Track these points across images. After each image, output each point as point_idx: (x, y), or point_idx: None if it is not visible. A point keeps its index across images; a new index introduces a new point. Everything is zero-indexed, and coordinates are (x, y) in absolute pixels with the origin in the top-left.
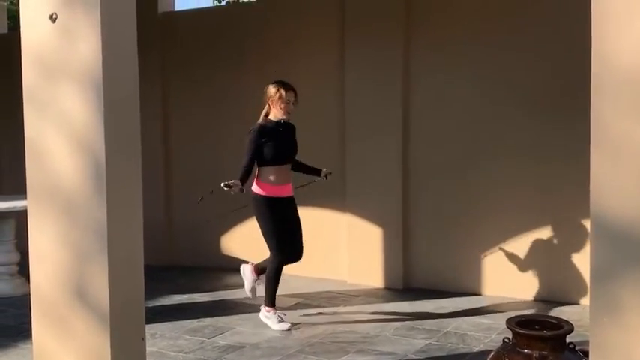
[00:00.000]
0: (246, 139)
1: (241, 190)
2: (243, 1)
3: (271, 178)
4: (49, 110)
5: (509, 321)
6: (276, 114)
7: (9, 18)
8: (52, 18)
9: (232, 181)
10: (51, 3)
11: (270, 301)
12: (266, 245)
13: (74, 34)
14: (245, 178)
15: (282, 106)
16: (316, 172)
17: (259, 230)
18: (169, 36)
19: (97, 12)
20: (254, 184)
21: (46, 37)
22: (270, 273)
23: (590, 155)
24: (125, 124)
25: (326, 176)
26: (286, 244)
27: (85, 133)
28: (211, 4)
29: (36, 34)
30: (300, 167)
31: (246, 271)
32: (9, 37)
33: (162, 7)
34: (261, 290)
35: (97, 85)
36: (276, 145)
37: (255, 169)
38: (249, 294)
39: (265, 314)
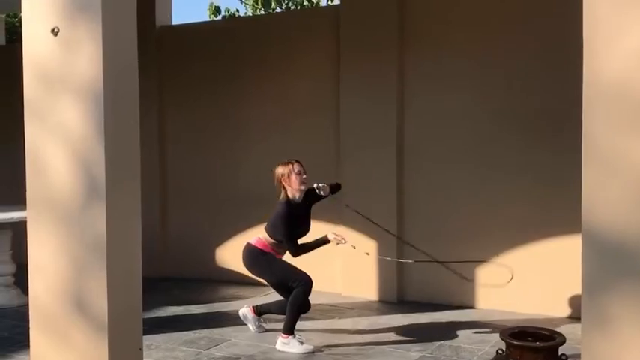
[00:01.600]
0: (278, 219)
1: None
2: (239, 16)
3: (278, 250)
4: (49, 122)
5: (502, 332)
6: (293, 192)
7: (6, 30)
8: (54, 32)
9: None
10: (53, 17)
11: (289, 329)
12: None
13: (75, 47)
14: (305, 247)
15: (297, 178)
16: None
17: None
18: (166, 49)
19: (98, 26)
20: (258, 242)
21: (48, 51)
22: (296, 300)
23: (582, 170)
24: (125, 136)
25: (319, 189)
26: (301, 272)
27: (84, 145)
28: (208, 19)
29: (37, 47)
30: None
31: (247, 314)
32: (7, 50)
33: (159, 21)
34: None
35: (97, 98)
36: (298, 224)
37: (264, 234)
38: (256, 331)
39: (283, 341)
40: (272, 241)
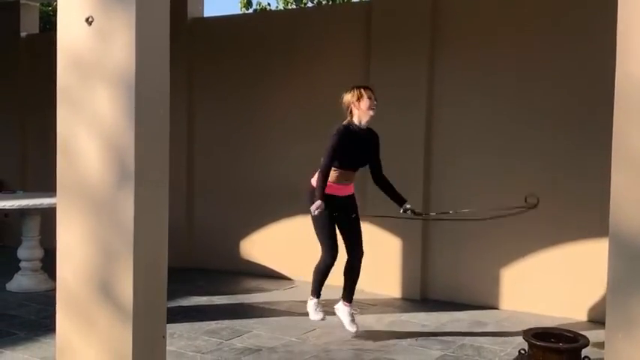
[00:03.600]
0: (328, 141)
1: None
2: (270, 9)
3: (334, 176)
4: (81, 110)
5: (525, 333)
6: (360, 116)
7: (40, 19)
8: (88, 21)
9: (317, 206)
10: (87, 6)
11: (314, 289)
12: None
13: (109, 36)
14: (324, 185)
15: (367, 103)
16: (400, 200)
17: (284, 240)
18: (197, 41)
19: (132, 15)
20: (315, 177)
21: (82, 40)
22: (318, 267)
23: (612, 172)
24: (155, 126)
25: (406, 210)
26: (336, 243)
27: (115, 133)
28: (239, 11)
29: (72, 36)
30: (387, 188)
31: (340, 307)
32: (42, 38)
33: (191, 13)
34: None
35: (129, 87)
36: (350, 151)
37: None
38: (351, 329)
39: (309, 301)
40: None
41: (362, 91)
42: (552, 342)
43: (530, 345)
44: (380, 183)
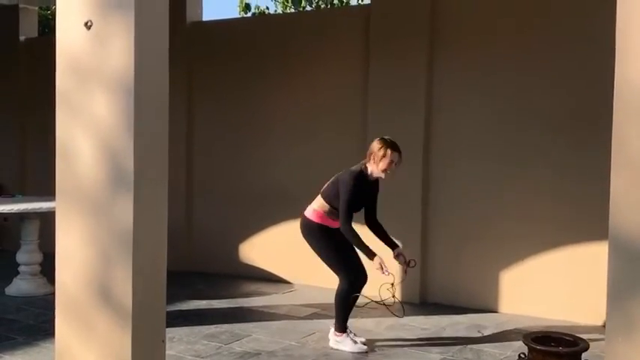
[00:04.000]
0: (343, 186)
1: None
2: (269, 13)
3: (327, 211)
4: (80, 114)
5: (525, 337)
6: (373, 170)
7: (39, 23)
8: (87, 25)
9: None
10: (86, 10)
11: (340, 326)
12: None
13: (108, 41)
14: (356, 242)
15: (385, 164)
16: (392, 244)
17: (283, 243)
18: (196, 45)
19: (130, 20)
20: (314, 212)
21: (81, 44)
22: (339, 297)
23: (611, 174)
24: (154, 130)
25: (399, 255)
26: (353, 266)
27: (114, 137)
28: (238, 15)
29: (71, 40)
30: (380, 233)
31: (339, 340)
32: (41, 42)
33: (190, 17)
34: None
35: (128, 91)
36: (358, 199)
37: (321, 201)
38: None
39: (336, 339)
40: (328, 208)
41: (389, 151)
42: (552, 346)
43: (530, 349)
44: (374, 227)
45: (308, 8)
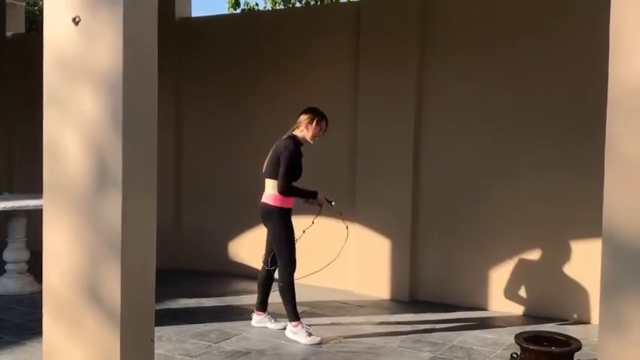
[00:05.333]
0: (285, 152)
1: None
2: (259, 9)
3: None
4: (68, 111)
5: (517, 337)
6: (304, 136)
7: (26, 19)
8: (75, 21)
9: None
10: (74, 6)
11: (294, 315)
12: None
13: (96, 37)
14: (299, 194)
15: (315, 131)
16: (312, 193)
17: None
18: (185, 42)
19: (119, 16)
20: (272, 196)
21: (68, 40)
22: (286, 285)
23: (605, 174)
24: (142, 127)
25: (329, 201)
26: (294, 255)
27: (102, 135)
28: (227, 11)
29: (58, 36)
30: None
31: (259, 319)
32: (28, 38)
33: (179, 13)
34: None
35: (116, 89)
36: (300, 164)
37: (271, 182)
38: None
39: (292, 330)
40: (274, 184)
41: (318, 119)
42: (545, 345)
43: (523, 349)
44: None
45: (297, 5)
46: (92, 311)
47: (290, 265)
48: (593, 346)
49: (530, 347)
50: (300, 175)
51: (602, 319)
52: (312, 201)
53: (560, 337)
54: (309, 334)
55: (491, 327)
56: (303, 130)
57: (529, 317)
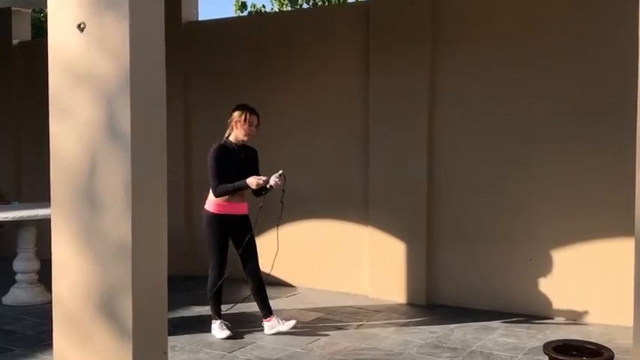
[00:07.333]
0: (208, 160)
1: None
2: (265, 12)
3: (227, 196)
4: (74, 119)
5: (545, 346)
6: (237, 135)
7: (32, 26)
8: (80, 27)
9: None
10: (79, 12)
11: (216, 313)
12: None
13: (102, 43)
14: (232, 190)
15: (245, 127)
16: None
17: (286, 246)
18: (193, 45)
19: (125, 21)
20: (208, 201)
21: (74, 46)
22: (209, 289)
23: (636, 178)
24: (151, 134)
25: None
26: (224, 261)
27: (110, 142)
28: (234, 14)
29: (63, 42)
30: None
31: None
32: (34, 45)
33: (186, 17)
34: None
35: (124, 95)
36: (234, 166)
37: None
38: (289, 325)
39: (213, 324)
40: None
41: (247, 114)
42: (575, 355)
43: (551, 359)
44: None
45: (305, 6)
46: (103, 323)
47: (216, 268)
48: (618, 349)
49: (560, 358)
50: (237, 174)
51: (636, 324)
52: (264, 192)
53: (590, 346)
54: (222, 329)
55: (511, 331)
56: (235, 130)
57: (549, 319)
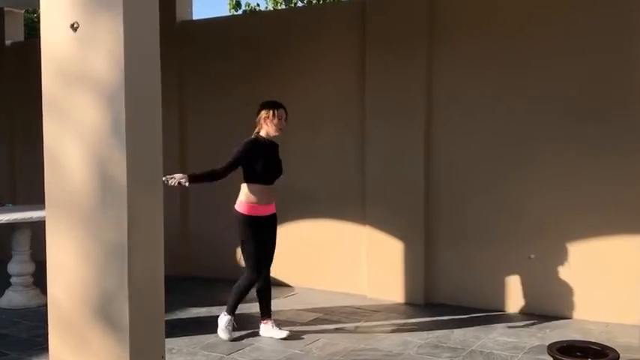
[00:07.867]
0: (234, 149)
1: (179, 184)
2: (260, 10)
3: (257, 196)
4: (68, 120)
5: (550, 347)
6: (268, 131)
7: (25, 26)
8: (73, 27)
9: (177, 175)
10: (72, 12)
11: (231, 308)
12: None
13: (95, 43)
14: (210, 177)
15: (276, 122)
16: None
17: (283, 245)
18: (187, 44)
19: (119, 21)
20: (238, 202)
21: (67, 47)
22: (241, 287)
23: None
24: (146, 135)
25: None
26: (262, 263)
27: (105, 143)
28: (228, 13)
29: (56, 43)
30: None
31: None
32: (27, 45)
33: (180, 16)
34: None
35: (118, 96)
36: (267, 164)
37: (240, 187)
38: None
39: (220, 316)
40: (247, 187)
41: (276, 110)
42: (579, 356)
43: None
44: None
45: (299, 4)
46: (99, 327)
47: (254, 272)
48: (619, 347)
49: (564, 359)
50: (265, 168)
51: None
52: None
53: (595, 347)
54: (229, 330)
55: (511, 330)
56: (265, 126)
57: (549, 318)
